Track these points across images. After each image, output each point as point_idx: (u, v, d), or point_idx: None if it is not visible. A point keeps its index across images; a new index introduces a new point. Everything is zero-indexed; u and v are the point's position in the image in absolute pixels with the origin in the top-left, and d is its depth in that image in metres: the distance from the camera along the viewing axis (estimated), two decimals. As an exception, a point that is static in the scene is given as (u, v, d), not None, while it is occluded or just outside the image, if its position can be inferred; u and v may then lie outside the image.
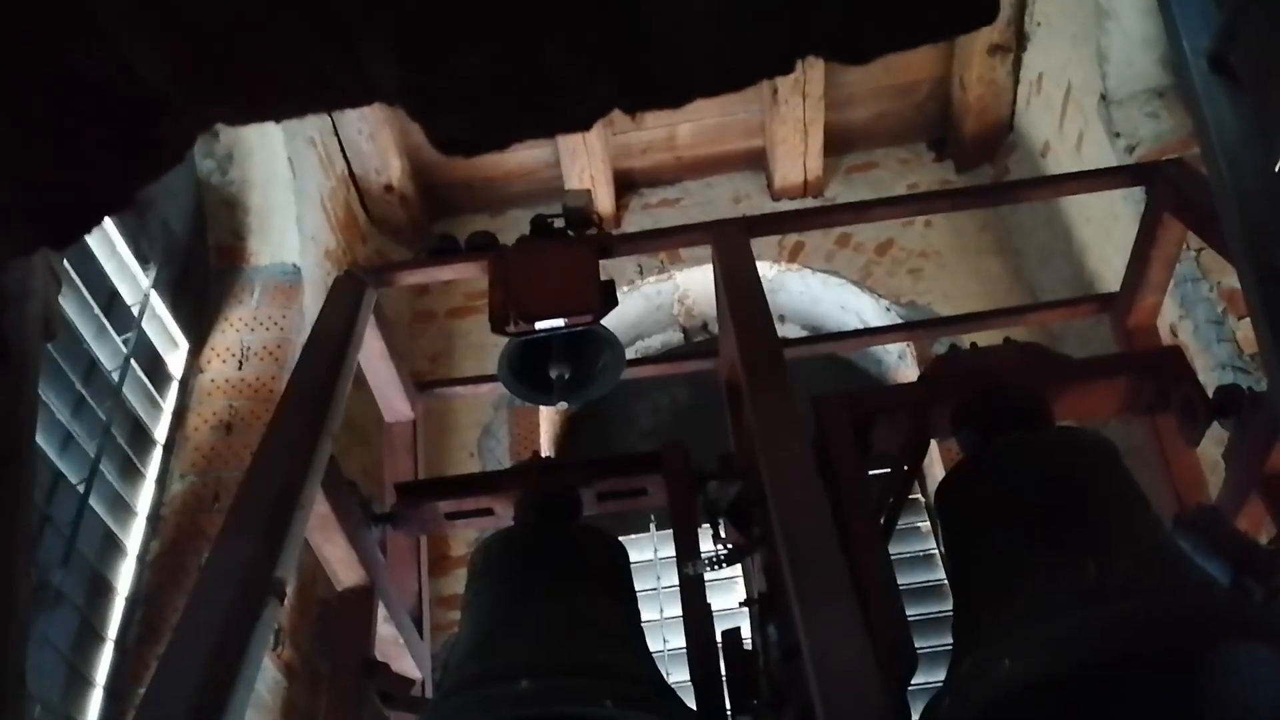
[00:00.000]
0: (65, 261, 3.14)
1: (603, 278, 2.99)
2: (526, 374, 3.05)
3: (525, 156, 5.40)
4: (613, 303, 2.94)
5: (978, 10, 0.84)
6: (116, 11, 0.79)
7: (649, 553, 4.42)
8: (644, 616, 2.73)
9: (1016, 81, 5.12)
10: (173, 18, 0.79)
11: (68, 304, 3.23)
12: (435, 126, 0.83)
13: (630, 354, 5.47)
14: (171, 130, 0.87)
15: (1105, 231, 4.26)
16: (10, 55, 0.81)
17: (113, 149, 0.87)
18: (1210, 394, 2.65)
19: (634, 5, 0.77)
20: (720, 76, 0.83)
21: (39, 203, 0.89)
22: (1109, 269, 4.15)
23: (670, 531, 2.62)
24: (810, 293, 5.36)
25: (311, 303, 4.17)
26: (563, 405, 3.09)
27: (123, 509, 3.42)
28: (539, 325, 2.89)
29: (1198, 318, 3.57)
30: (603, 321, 2.94)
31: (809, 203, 5.46)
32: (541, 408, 4.87)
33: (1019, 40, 5.00)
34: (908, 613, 2.39)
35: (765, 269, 5.11)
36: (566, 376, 2.99)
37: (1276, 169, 1.24)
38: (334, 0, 0.75)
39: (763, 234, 3.26)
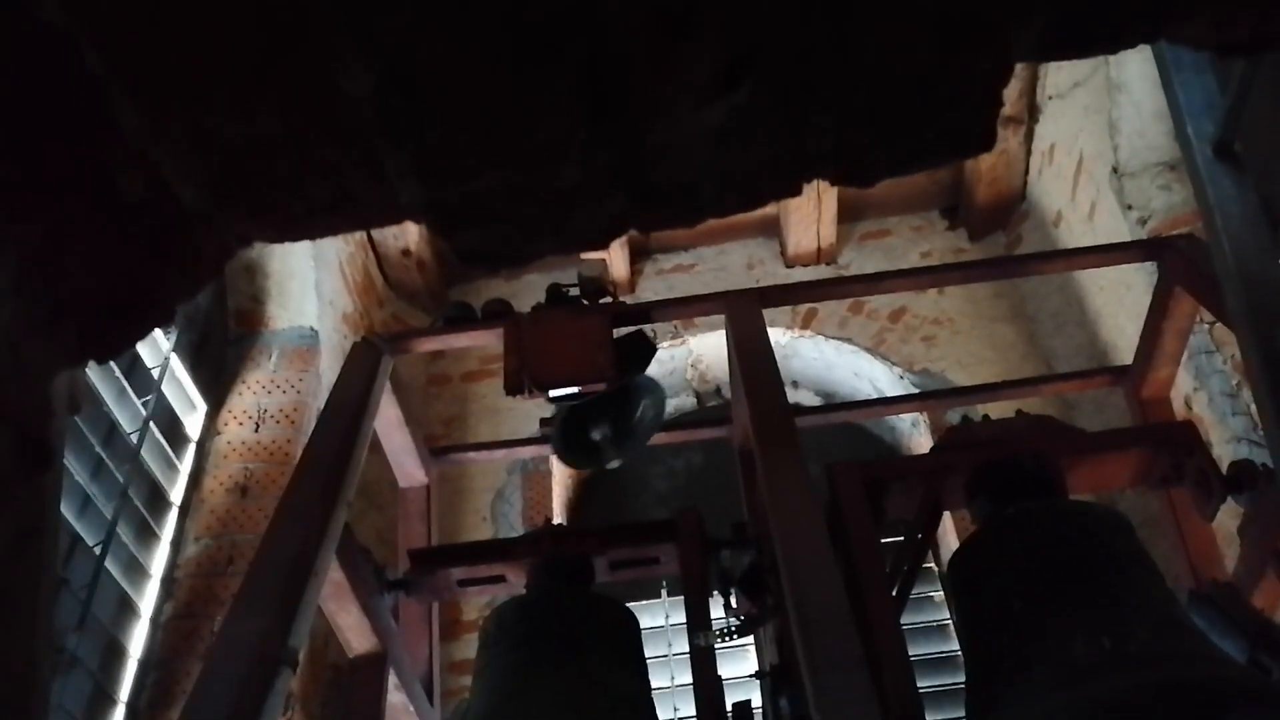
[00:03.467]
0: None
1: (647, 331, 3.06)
2: (577, 441, 3.10)
3: (542, 222, 5.45)
4: (648, 354, 3.00)
5: (974, 140, 0.87)
6: (152, 135, 0.83)
7: (660, 619, 4.40)
8: (655, 684, 2.72)
9: (1029, 152, 5.17)
10: (205, 140, 0.83)
11: (90, 370, 3.27)
12: (458, 242, 0.86)
13: (644, 419, 5.48)
14: (209, 246, 0.91)
15: (1118, 300, 4.28)
16: (58, 179, 0.85)
17: (154, 265, 0.91)
18: (1225, 468, 2.64)
19: (639, 127, 0.80)
20: (728, 196, 0.86)
21: (86, 316, 0.92)
22: (1122, 337, 4.16)
23: (682, 599, 2.62)
24: (824, 359, 5.38)
25: (328, 366, 4.21)
26: (615, 464, 3.14)
27: (138, 572, 3.44)
28: (552, 393, 2.92)
29: (1212, 390, 3.57)
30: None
31: (822, 270, 5.50)
32: (553, 472, 4.89)
33: (1031, 111, 5.07)
34: (920, 684, 2.38)
35: (779, 335, 5.14)
36: (609, 435, 3.03)
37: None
38: (361, 124, 0.79)
39: (775, 304, 3.29)
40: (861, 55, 0.79)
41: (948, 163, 0.93)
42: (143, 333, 0.98)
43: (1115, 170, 4.23)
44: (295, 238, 0.97)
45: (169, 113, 0.82)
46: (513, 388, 2.95)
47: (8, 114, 0.83)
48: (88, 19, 0.77)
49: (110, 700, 3.17)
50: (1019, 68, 4.87)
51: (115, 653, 3.24)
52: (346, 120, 0.80)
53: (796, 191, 0.90)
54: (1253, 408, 3.34)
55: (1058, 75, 4.80)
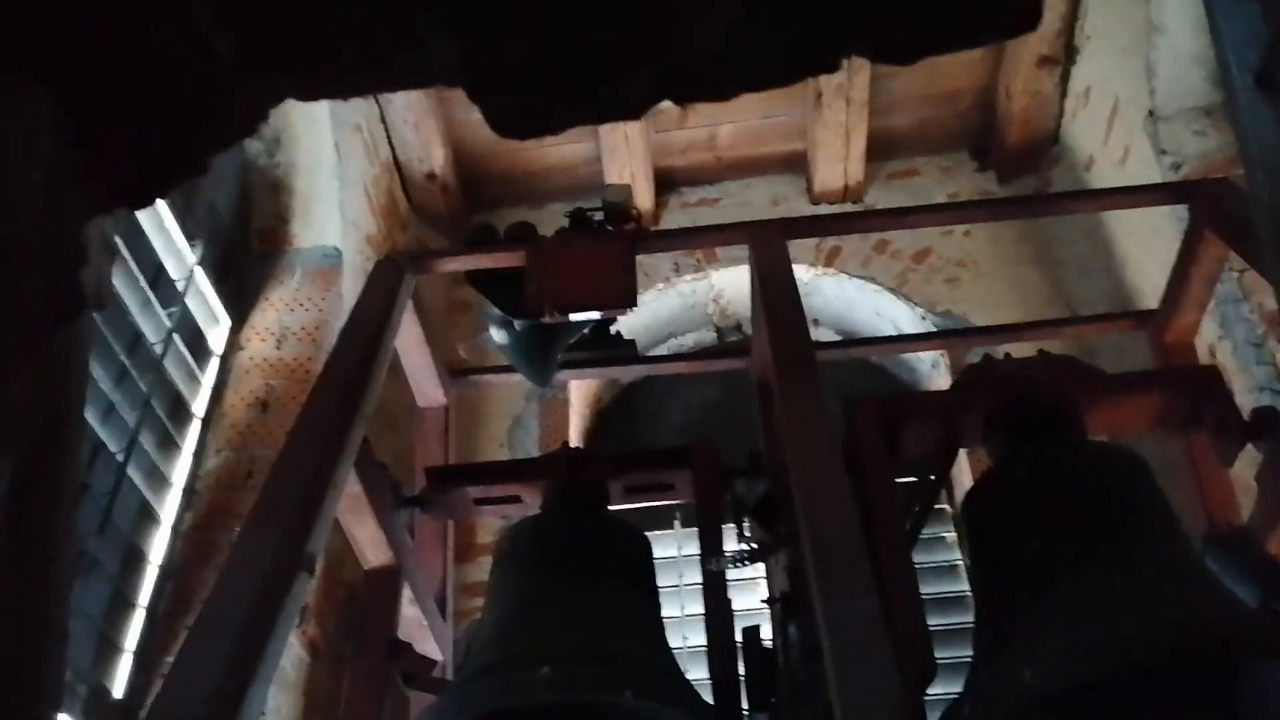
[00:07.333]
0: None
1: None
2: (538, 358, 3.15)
3: (567, 151, 5.42)
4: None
5: (1020, 17, 0.85)
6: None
7: (673, 550, 4.44)
8: (665, 613, 2.74)
9: (1063, 94, 5.09)
10: (242, -5, 0.83)
11: (115, 277, 3.29)
12: (490, 107, 0.86)
13: (663, 350, 5.50)
14: (242, 101, 0.91)
15: (1146, 246, 4.23)
16: (94, 26, 0.85)
17: (188, 116, 0.91)
18: (1246, 415, 2.63)
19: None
20: (761, 70, 0.85)
21: (120, 164, 0.93)
22: (1148, 283, 4.12)
23: (694, 530, 2.63)
24: (845, 297, 5.35)
25: (351, 286, 4.22)
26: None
27: (159, 480, 3.48)
28: (573, 317, 2.93)
29: (1237, 338, 3.54)
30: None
31: (848, 208, 5.45)
32: (571, 401, 4.91)
33: (1068, 53, 4.97)
34: (929, 623, 2.38)
35: (801, 272, 5.10)
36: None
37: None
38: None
39: (800, 236, 3.27)
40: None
41: (988, 42, 0.91)
42: (175, 184, 0.98)
43: (1151, 114, 4.16)
44: (327, 95, 0.97)
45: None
46: (533, 311, 2.95)
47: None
48: None
49: (129, 605, 3.23)
50: (1058, 8, 4.78)
51: (135, 558, 3.30)
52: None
53: (834, 68, 0.88)
54: (1278, 357, 3.32)
55: (1095, 15, 4.71)
